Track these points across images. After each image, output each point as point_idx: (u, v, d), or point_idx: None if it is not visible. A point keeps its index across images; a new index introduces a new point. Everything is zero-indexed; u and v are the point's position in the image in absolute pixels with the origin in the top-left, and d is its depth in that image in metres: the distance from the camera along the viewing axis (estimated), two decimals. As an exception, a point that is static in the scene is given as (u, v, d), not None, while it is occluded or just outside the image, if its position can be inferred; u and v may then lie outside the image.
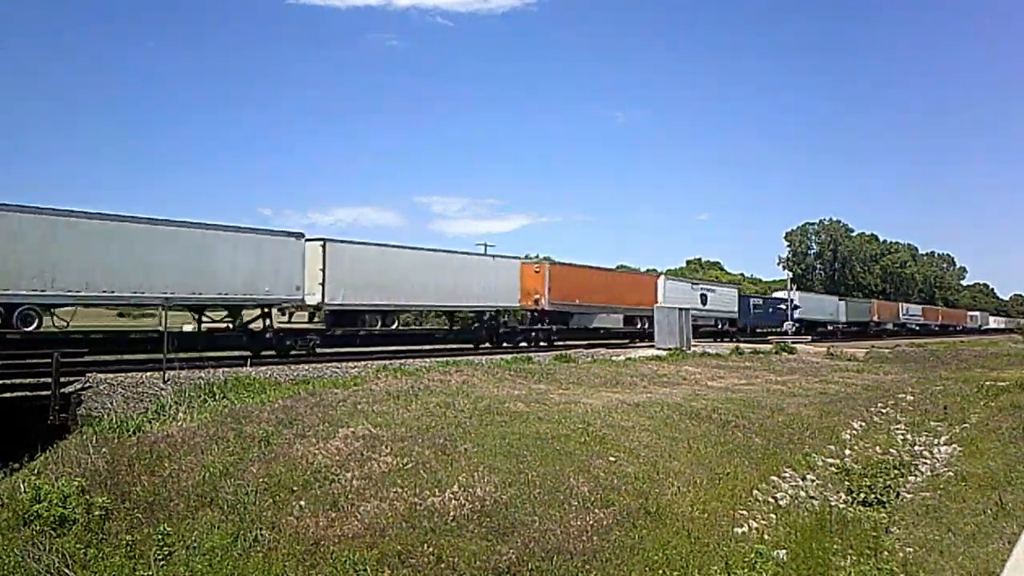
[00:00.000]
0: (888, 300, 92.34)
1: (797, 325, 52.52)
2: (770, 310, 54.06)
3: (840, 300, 69.00)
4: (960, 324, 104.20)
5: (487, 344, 29.34)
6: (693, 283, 46.04)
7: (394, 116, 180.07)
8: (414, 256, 25.95)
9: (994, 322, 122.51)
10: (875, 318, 72.98)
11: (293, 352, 21.78)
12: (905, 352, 44.80)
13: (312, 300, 22.18)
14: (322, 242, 22.47)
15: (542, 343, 31.22)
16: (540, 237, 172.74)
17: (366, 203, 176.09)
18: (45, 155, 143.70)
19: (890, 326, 76.57)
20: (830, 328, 61.22)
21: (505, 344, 29.74)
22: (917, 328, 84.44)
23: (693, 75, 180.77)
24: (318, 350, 22.59)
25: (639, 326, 37.80)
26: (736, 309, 48.11)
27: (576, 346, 31.05)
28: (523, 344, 30.35)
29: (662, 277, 41.14)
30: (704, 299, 43.32)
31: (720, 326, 46.33)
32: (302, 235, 21.75)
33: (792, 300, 54.30)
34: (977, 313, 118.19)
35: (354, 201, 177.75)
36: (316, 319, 23.76)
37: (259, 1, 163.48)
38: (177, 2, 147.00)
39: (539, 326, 31.80)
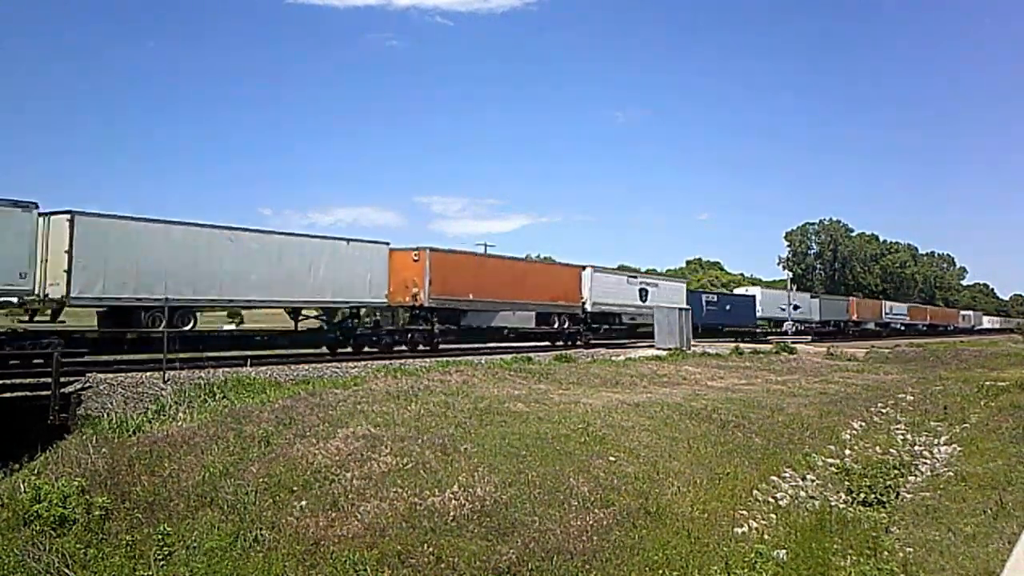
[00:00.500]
0: (872, 298, 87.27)
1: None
2: (727, 307, 48.29)
3: (813, 298, 64.21)
4: (951, 324, 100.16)
5: (347, 349, 24.27)
6: (630, 277, 40.57)
7: (394, 116, 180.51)
8: (214, 237, 19.77)
9: (989, 322, 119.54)
10: (854, 317, 68.42)
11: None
12: (905, 352, 44.79)
13: (55, 293, 16.89)
14: (69, 216, 16.87)
15: (422, 346, 26.12)
16: (540, 237, 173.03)
17: (366, 203, 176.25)
18: (45, 155, 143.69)
19: (871, 326, 72.48)
20: (803, 328, 55.82)
21: (367, 349, 24.63)
22: (903, 328, 79.84)
23: (693, 75, 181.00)
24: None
25: (556, 325, 32.70)
26: (684, 306, 40.91)
27: (473, 350, 26.85)
28: (399, 348, 25.67)
29: (588, 269, 34.74)
30: (644, 294, 38.34)
31: None
32: (34, 205, 16.29)
33: (755, 296, 51.21)
34: (970, 312, 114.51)
35: (354, 201, 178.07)
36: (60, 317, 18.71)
37: (258, 1, 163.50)
38: (176, 2, 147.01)
39: (419, 326, 26.49)
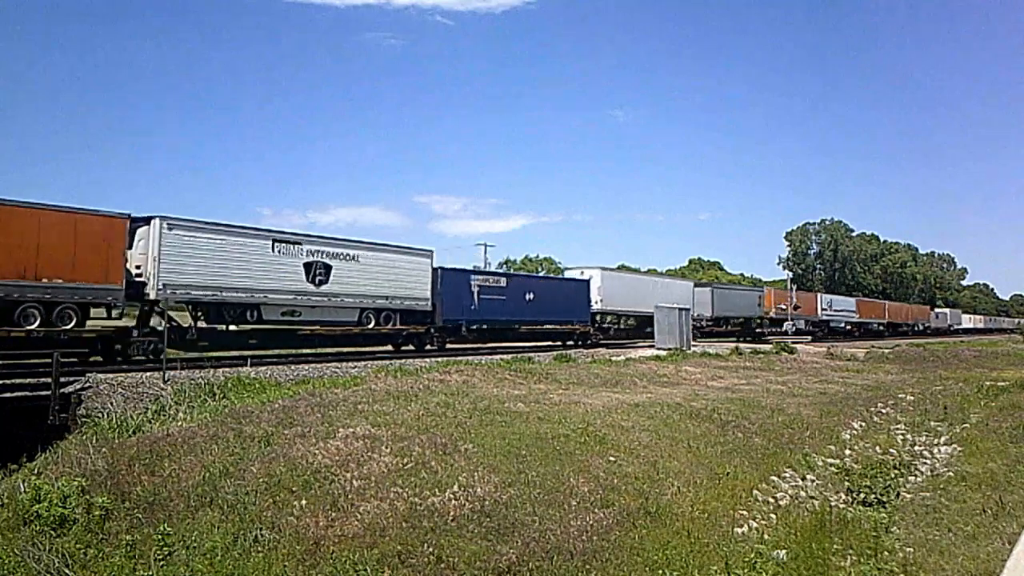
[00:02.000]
0: (807, 291, 74.73)
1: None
2: (529, 295, 31.71)
3: (701, 287, 48.64)
4: (920, 323, 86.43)
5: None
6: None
7: (394, 116, 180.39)
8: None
9: (969, 321, 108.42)
10: (771, 314, 53.90)
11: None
12: (905, 352, 44.78)
13: None
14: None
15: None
16: (540, 237, 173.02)
17: (366, 203, 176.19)
18: (45, 154, 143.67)
19: (801, 324, 56.66)
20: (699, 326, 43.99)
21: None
22: (848, 328, 66.76)
23: (693, 75, 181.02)
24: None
25: None
26: (428, 294, 26.49)
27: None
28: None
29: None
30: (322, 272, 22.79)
31: (374, 322, 24.84)
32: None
33: (590, 280, 36.22)
34: (945, 311, 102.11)
35: (354, 201, 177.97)
36: None
37: (258, 1, 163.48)
38: (176, 2, 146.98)
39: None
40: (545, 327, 33.44)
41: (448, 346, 28.09)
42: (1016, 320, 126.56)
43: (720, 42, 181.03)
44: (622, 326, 42.47)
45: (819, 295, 66.59)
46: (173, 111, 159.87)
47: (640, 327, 41.23)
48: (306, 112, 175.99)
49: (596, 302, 36.45)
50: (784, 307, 55.73)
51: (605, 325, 39.84)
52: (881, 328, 74.03)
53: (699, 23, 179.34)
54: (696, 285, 48.86)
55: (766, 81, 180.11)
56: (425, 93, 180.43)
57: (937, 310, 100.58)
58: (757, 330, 52.49)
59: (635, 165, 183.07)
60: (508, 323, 31.36)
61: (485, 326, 30.25)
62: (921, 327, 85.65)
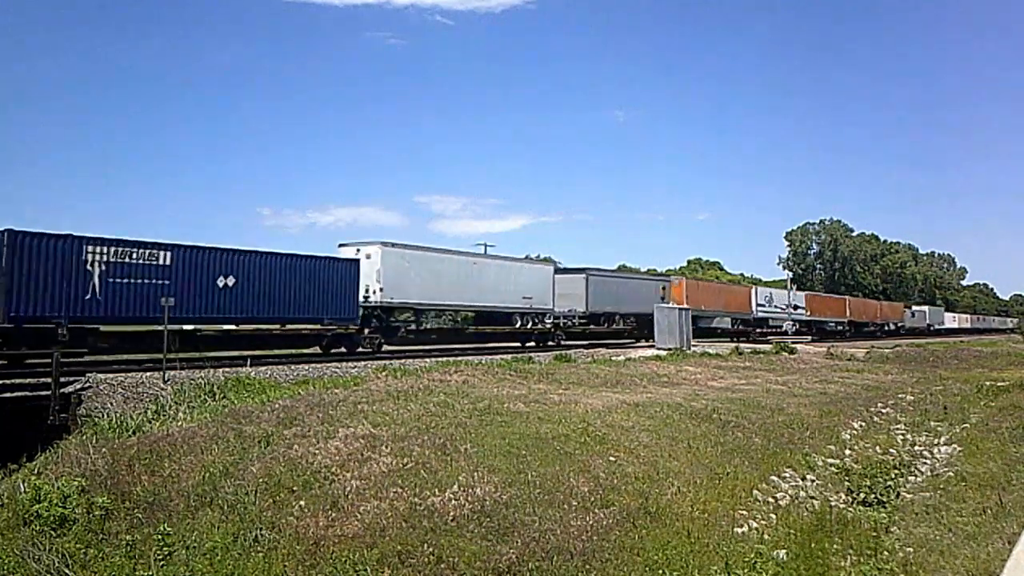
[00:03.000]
0: (734, 284, 65.27)
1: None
2: (220, 279, 19.98)
3: (569, 274, 36.56)
4: (891, 322, 76.08)
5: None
6: None
7: (394, 116, 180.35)
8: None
9: (954, 320, 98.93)
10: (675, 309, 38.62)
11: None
12: (905, 352, 44.81)
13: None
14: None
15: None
16: (540, 237, 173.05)
17: (366, 203, 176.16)
18: (45, 154, 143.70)
19: (727, 323, 47.51)
20: (548, 326, 33.75)
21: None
22: (796, 328, 55.21)
23: (693, 75, 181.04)
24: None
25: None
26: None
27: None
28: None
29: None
30: None
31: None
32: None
33: (359, 263, 24.48)
34: (923, 308, 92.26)
35: (354, 201, 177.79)
36: None
37: (257, 0, 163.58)
38: (175, 1, 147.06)
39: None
40: (264, 326, 21.78)
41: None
42: (1008, 320, 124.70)
43: (720, 42, 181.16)
44: (429, 326, 32.08)
45: (754, 288, 54.13)
46: (172, 111, 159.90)
47: (456, 330, 32.77)
48: (306, 112, 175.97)
49: (372, 292, 25.24)
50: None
51: (395, 323, 27.58)
52: (841, 328, 64.68)
53: (699, 23, 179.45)
54: (562, 271, 36.69)
55: (766, 81, 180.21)
56: (425, 93, 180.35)
57: (914, 308, 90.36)
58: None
59: (635, 165, 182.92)
60: (177, 320, 18.31)
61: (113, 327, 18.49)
62: (893, 327, 75.96)
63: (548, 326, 33.98)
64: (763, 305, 52.91)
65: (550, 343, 33.72)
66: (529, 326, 32.95)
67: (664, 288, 42.52)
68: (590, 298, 36.12)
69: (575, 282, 36.07)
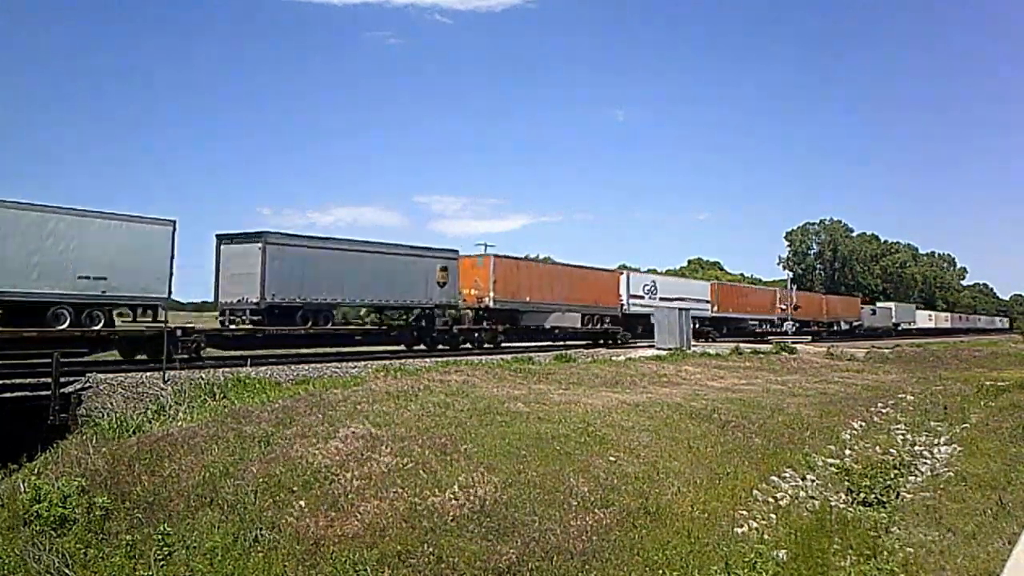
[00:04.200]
0: (602, 270, 40.00)
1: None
2: None
3: (244, 243, 21.74)
4: (842, 320, 65.65)
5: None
6: None
7: (394, 116, 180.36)
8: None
9: (930, 319, 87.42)
10: (469, 302, 28.70)
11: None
12: (906, 352, 44.83)
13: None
14: None
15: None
16: (540, 237, 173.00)
17: (366, 203, 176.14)
18: (46, 154, 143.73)
19: (575, 320, 34.02)
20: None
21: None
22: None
23: (693, 75, 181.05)
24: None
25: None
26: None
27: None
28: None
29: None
30: None
31: None
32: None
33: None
34: (889, 306, 79.24)
35: (354, 201, 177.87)
36: None
37: (258, 0, 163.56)
38: (175, 2, 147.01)
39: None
40: None
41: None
42: (997, 319, 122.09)
43: (720, 42, 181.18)
44: None
45: (627, 274, 40.22)
46: (171, 110, 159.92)
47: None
48: (306, 112, 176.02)
49: None
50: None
51: None
52: (763, 327, 52.41)
53: (699, 23, 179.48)
54: (226, 239, 22.17)
55: (766, 81, 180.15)
56: (425, 93, 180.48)
57: (879, 305, 78.72)
58: (436, 330, 27.13)
59: (635, 165, 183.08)
60: None
61: None
62: (845, 326, 65.35)
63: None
64: (640, 297, 39.90)
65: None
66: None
67: (445, 270, 26.81)
68: (270, 281, 21.40)
69: (248, 256, 21.53)
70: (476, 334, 28.90)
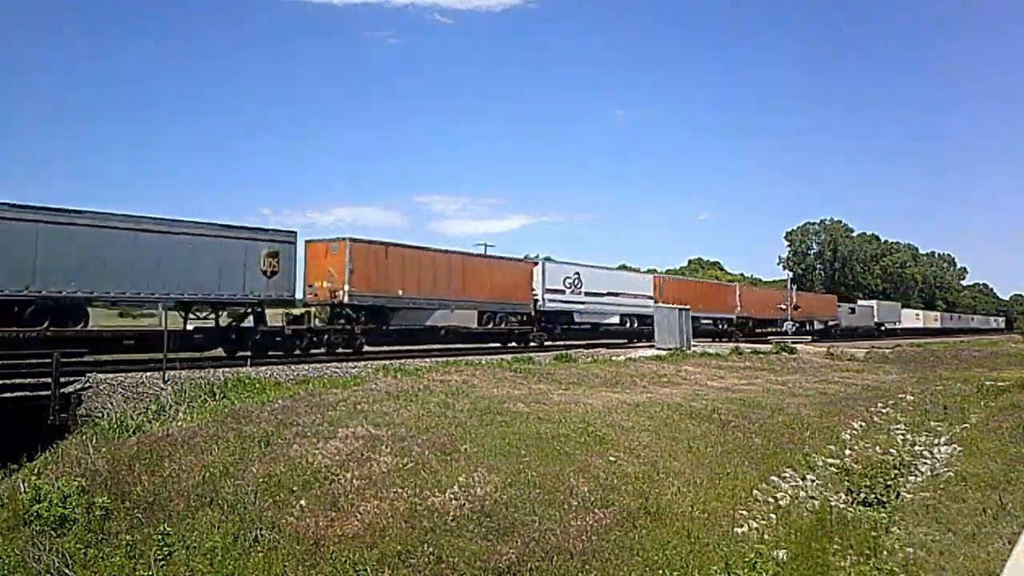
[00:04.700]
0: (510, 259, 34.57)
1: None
2: None
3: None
4: (815, 319, 58.89)
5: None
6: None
7: (394, 115, 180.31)
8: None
9: (917, 318, 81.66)
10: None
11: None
12: (906, 352, 44.84)
13: None
14: None
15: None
16: (540, 237, 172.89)
17: (366, 203, 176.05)
18: (47, 154, 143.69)
19: (465, 319, 29.28)
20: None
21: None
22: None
23: (693, 74, 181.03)
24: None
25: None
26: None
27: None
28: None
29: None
30: None
31: None
32: None
33: None
34: (870, 304, 71.86)
35: (354, 201, 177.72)
36: None
37: (257, 0, 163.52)
38: (173, 1, 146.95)
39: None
40: None
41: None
42: (992, 319, 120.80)
43: (720, 42, 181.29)
44: None
45: (543, 265, 33.55)
46: (171, 110, 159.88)
47: None
48: (306, 111, 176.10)
49: None
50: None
51: None
52: (719, 326, 46.66)
53: (699, 23, 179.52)
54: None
55: (766, 81, 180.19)
56: (425, 93, 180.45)
57: (859, 303, 71.77)
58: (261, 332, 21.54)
59: (635, 165, 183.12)
60: None
61: None
62: (819, 326, 58.39)
63: None
64: (560, 291, 33.47)
65: None
66: None
67: (275, 256, 21.13)
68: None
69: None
70: (326, 337, 22.95)
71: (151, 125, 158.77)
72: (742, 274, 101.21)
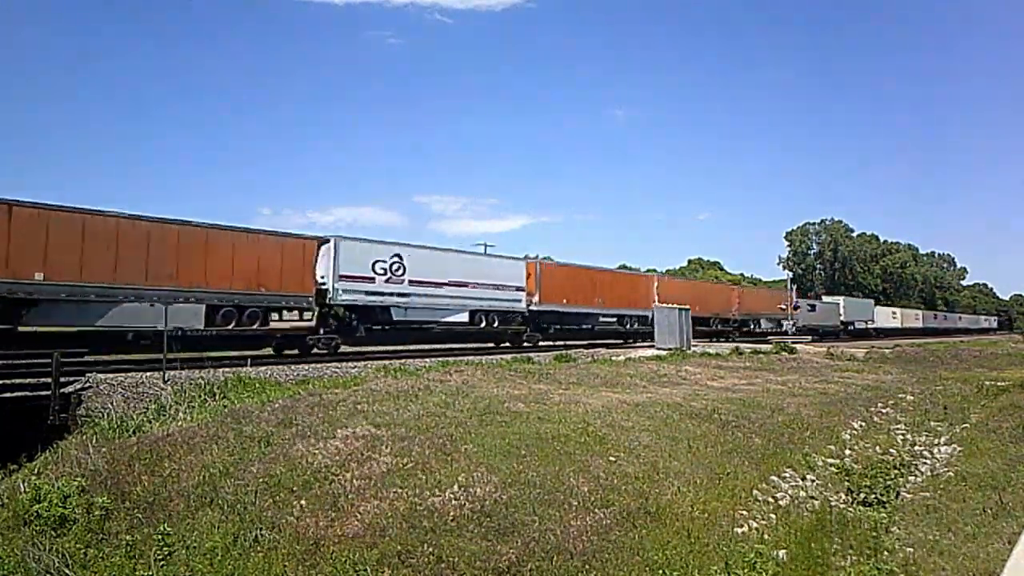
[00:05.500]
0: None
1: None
2: None
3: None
4: (761, 318, 51.08)
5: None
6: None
7: (394, 115, 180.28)
8: None
9: (893, 318, 73.26)
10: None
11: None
12: (905, 352, 44.82)
13: None
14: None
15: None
16: (540, 237, 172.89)
17: (366, 203, 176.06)
18: (47, 154, 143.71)
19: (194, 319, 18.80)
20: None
21: None
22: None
23: (694, 74, 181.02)
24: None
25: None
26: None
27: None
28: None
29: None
30: None
31: None
32: None
33: None
34: (836, 300, 63.26)
35: (354, 201, 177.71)
36: None
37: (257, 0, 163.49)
38: (174, 2, 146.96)
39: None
40: None
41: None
42: (983, 319, 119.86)
43: (720, 42, 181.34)
44: None
45: (333, 243, 23.23)
46: (171, 110, 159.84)
47: None
48: (305, 111, 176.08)
49: None
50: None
51: None
52: (627, 324, 37.22)
53: (699, 23, 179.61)
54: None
55: (766, 81, 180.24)
56: (425, 93, 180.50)
57: (824, 299, 62.80)
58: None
59: (635, 165, 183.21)
60: None
61: None
62: (768, 325, 51.12)
63: None
64: (366, 279, 24.10)
65: None
66: None
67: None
68: None
69: None
70: None
71: (151, 125, 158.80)
72: (742, 274, 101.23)
